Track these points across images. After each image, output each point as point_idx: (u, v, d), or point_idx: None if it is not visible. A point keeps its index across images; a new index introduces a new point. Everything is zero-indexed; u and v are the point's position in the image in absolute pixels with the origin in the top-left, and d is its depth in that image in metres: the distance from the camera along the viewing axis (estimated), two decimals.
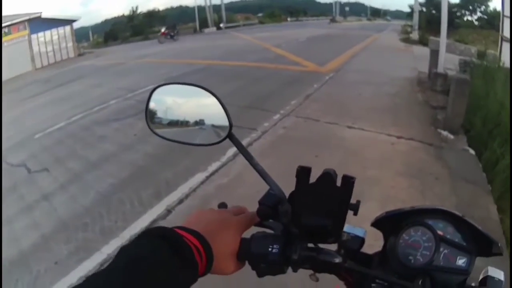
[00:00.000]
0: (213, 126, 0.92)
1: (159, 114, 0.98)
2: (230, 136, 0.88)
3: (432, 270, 0.83)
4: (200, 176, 5.02)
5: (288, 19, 63.80)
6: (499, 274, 0.81)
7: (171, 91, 0.99)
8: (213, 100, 0.89)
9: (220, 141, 0.91)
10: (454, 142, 6.23)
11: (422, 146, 6.03)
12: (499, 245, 0.84)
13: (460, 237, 0.85)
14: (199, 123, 0.94)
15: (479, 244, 0.85)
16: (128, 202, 4.54)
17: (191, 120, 0.95)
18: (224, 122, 0.89)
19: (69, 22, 28.20)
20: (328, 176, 0.79)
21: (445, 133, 6.50)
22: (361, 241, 0.89)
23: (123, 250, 0.61)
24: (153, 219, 4.12)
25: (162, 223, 3.97)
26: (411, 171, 5.14)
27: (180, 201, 4.47)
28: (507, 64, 9.01)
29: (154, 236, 0.65)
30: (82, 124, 8.06)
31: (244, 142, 5.83)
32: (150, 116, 0.98)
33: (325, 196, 0.80)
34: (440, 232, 0.86)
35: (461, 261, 0.83)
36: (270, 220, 0.87)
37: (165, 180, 5.00)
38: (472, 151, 5.87)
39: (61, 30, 26.87)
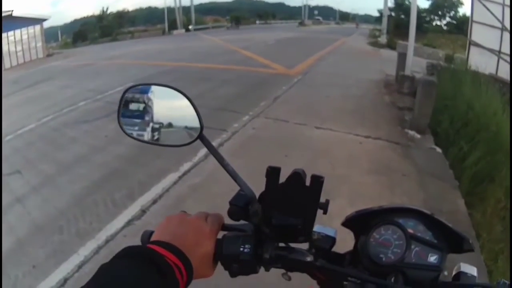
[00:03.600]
0: (184, 127, 0.93)
1: (132, 114, 0.98)
2: (201, 137, 0.89)
3: (403, 267, 0.84)
4: (173, 176, 4.97)
5: (257, 22, 63.99)
6: (471, 269, 0.83)
7: (144, 91, 0.98)
8: (185, 101, 0.90)
9: (190, 142, 0.91)
10: (421, 141, 6.37)
11: (389, 145, 6.15)
12: (470, 241, 0.85)
13: (431, 234, 0.87)
14: (171, 124, 0.95)
15: (450, 241, 0.86)
16: (102, 203, 4.46)
17: (163, 121, 0.95)
18: (195, 123, 0.90)
19: (39, 21, 27.12)
20: (297, 176, 0.80)
21: (412, 132, 6.63)
22: (332, 240, 0.89)
23: (103, 269, 0.60)
24: (128, 219, 4.07)
25: (138, 223, 3.99)
26: (379, 168, 5.24)
27: (154, 201, 4.42)
28: (474, 67, 9.25)
29: (134, 255, 0.64)
30: (52, 125, 7.85)
31: (215, 143, 5.87)
32: (122, 116, 0.98)
33: (294, 196, 0.81)
34: (410, 230, 0.87)
35: (432, 258, 0.85)
36: (241, 221, 0.86)
37: (138, 181, 4.93)
38: (439, 150, 6.02)
39: (31, 29, 25.77)
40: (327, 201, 0.84)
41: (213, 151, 0.89)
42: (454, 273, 0.84)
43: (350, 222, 0.94)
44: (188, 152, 5.48)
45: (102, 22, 46.23)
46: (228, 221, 0.86)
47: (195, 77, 12.04)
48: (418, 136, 6.54)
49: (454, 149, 5.65)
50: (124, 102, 0.97)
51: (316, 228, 0.89)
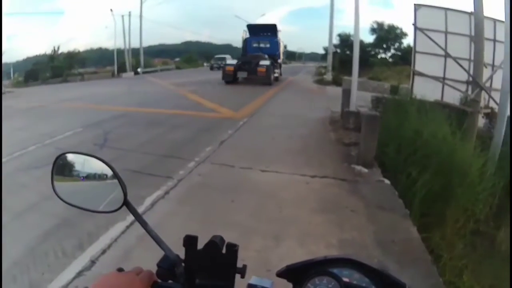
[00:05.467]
0: (111, 194, 0.98)
1: (64, 180, 1.05)
2: (126, 203, 0.96)
3: None
4: (121, 225, 4.78)
5: (205, 64, 64.42)
6: None
7: (74, 160, 1.05)
8: (110, 171, 0.99)
9: (117, 209, 0.98)
10: (368, 175, 6.53)
11: (336, 182, 6.26)
12: (406, 286, 0.89)
13: (368, 281, 0.89)
14: (98, 191, 1.01)
15: (386, 286, 0.89)
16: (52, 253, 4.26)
17: (91, 188, 1.02)
18: (120, 191, 0.96)
19: None
20: (213, 244, 0.88)
21: (358, 167, 6.76)
22: None
23: None
24: (79, 270, 3.90)
25: (87, 273, 3.85)
26: (327, 206, 5.29)
27: (103, 251, 4.27)
28: (419, 96, 9.80)
29: None
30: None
31: (161, 191, 5.80)
32: (55, 181, 1.04)
33: (213, 261, 0.88)
34: (346, 279, 0.89)
35: None
36: (170, 281, 0.91)
37: (87, 230, 4.72)
38: (387, 181, 6.21)
39: None
40: (245, 266, 0.90)
41: (137, 217, 0.95)
42: None
43: (285, 273, 0.95)
44: (135, 204, 5.29)
45: (53, 62, 45.10)
46: None
47: (143, 123, 11.84)
48: (365, 170, 6.67)
49: (402, 178, 5.80)
50: (56, 169, 1.03)
51: (253, 280, 0.91)
